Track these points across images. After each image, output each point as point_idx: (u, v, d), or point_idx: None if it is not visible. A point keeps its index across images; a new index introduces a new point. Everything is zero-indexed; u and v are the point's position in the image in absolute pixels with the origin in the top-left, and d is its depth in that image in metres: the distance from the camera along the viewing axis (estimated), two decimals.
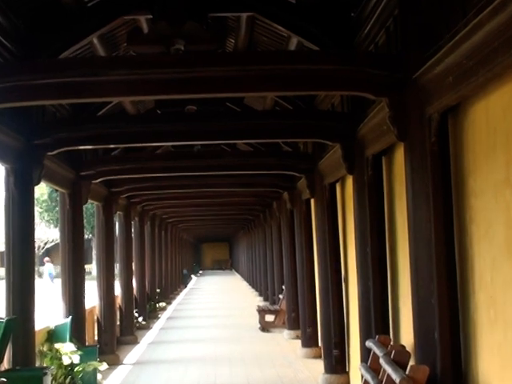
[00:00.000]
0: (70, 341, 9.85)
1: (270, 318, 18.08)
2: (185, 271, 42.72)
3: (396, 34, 6.26)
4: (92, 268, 45.10)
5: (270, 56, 7.32)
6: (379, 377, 6.18)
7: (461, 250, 5.21)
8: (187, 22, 6.84)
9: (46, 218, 57.21)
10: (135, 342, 16.28)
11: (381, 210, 7.63)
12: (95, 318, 13.79)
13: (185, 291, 36.87)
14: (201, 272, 64.35)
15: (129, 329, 16.58)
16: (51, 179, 10.03)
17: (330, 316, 10.36)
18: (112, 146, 11.34)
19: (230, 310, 24.40)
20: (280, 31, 8.85)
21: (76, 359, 9.57)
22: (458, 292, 5.22)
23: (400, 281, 7.11)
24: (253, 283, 34.55)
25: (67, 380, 9.62)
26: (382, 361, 5.96)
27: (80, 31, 8.11)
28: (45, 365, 9.25)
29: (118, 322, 16.20)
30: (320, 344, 12.61)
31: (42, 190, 51.98)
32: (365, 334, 7.73)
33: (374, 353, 6.59)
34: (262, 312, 18.10)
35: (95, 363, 10.13)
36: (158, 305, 23.46)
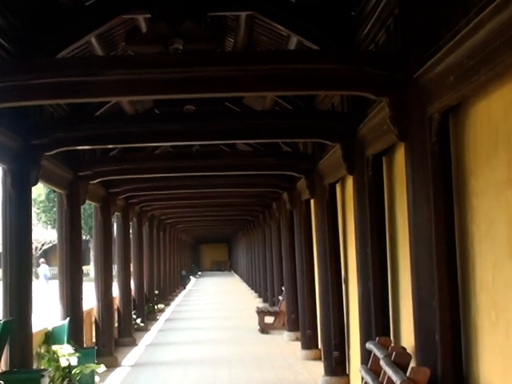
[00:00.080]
0: (68, 343, 9.84)
1: (269, 319, 18.07)
2: (183, 272, 42.71)
3: (396, 33, 6.26)
4: (90, 269, 45.17)
5: (270, 55, 7.33)
6: (379, 379, 6.18)
7: (462, 251, 5.21)
8: (186, 21, 6.85)
9: (43, 218, 57.22)
10: (133, 343, 16.27)
11: (381, 211, 7.63)
12: (93, 319, 13.78)
13: (183, 293, 36.85)
14: (199, 273, 64.34)
15: (127, 330, 16.57)
16: (49, 180, 10.03)
17: (330, 317, 10.36)
18: (110, 146, 11.34)
19: (229, 311, 24.39)
20: (279, 30, 8.85)
21: (74, 361, 9.56)
22: (459, 293, 5.22)
23: (400, 282, 7.11)
24: (252, 284, 34.55)
25: (65, 382, 9.62)
26: (382, 363, 5.96)
27: (78, 30, 8.11)
28: (42, 367, 9.24)
29: (116, 324, 16.19)
30: (320, 346, 12.61)
31: (39, 191, 51.98)
32: (365, 336, 7.73)
33: (375, 355, 6.59)
34: (261, 313, 18.10)
35: (93, 365, 10.13)
36: (156, 306, 23.45)
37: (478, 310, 4.95)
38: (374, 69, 6.12)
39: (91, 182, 11.82)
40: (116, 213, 16.27)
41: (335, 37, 7.78)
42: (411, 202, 5.82)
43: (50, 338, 9.91)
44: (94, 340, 13.66)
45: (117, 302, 16.53)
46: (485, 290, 4.83)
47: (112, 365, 12.86)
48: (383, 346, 6.51)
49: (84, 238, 44.61)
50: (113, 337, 14.32)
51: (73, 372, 9.67)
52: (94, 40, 8.87)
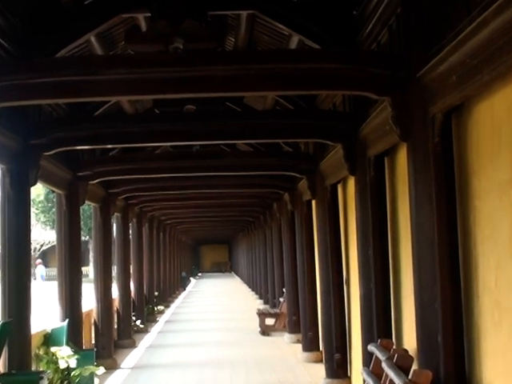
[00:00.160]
0: (67, 344, 9.84)
1: (270, 321, 18.07)
2: (183, 274, 42.71)
3: (399, 32, 6.26)
4: (89, 270, 45.17)
5: (271, 55, 7.33)
6: (381, 381, 6.18)
7: (464, 252, 5.21)
8: (186, 20, 6.86)
9: (42, 219, 57.26)
10: (133, 345, 16.27)
11: (383, 212, 7.63)
12: (92, 321, 13.78)
13: (183, 294, 36.86)
14: (200, 275, 64.34)
15: (126, 332, 16.57)
16: (48, 180, 10.04)
17: (332, 319, 10.37)
18: (109, 146, 11.35)
19: (229, 313, 24.39)
20: (281, 29, 8.85)
21: (73, 363, 9.56)
22: (462, 295, 5.22)
23: (403, 283, 7.11)
24: (253, 286, 34.55)
25: None
26: (384, 365, 5.95)
27: (77, 29, 8.11)
28: (41, 369, 9.24)
29: (116, 326, 16.20)
30: (321, 348, 12.61)
31: (38, 191, 52.01)
32: (367, 338, 7.73)
33: (377, 357, 6.59)
34: (262, 315, 18.09)
35: (92, 367, 10.13)
36: (156, 308, 23.45)
37: (481, 311, 4.95)
38: (376, 68, 6.13)
39: (90, 182, 11.83)
40: (115, 213, 16.27)
41: (337, 36, 7.78)
42: (413, 203, 5.82)
43: (49, 339, 9.91)
44: (93, 342, 13.66)
45: (116, 304, 16.53)
46: (487, 291, 4.83)
47: (111, 367, 12.86)
48: (385, 348, 6.50)
49: (83, 238, 44.57)
50: (112, 338, 14.32)
51: (72, 374, 9.67)
52: (93, 39, 8.87)
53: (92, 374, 10.20)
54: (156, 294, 24.53)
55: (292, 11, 7.98)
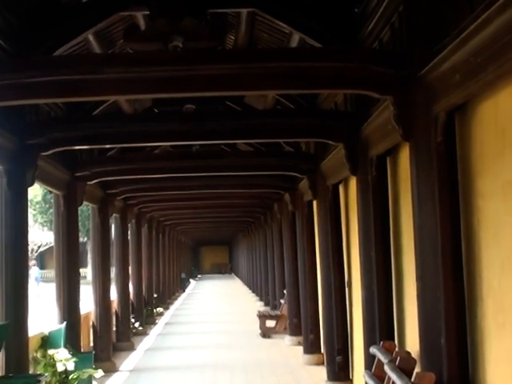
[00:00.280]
0: (65, 347, 9.84)
1: (270, 323, 18.07)
2: (183, 275, 42.72)
3: (401, 30, 6.26)
4: (87, 272, 45.10)
5: (272, 53, 7.31)
6: None
7: (468, 254, 5.20)
8: (185, 18, 6.85)
9: (39, 220, 57.25)
10: (132, 348, 16.27)
11: (385, 212, 7.62)
12: (90, 323, 13.77)
13: (183, 296, 36.87)
14: (199, 276, 64.36)
15: (125, 335, 16.57)
16: (45, 180, 10.03)
17: (333, 321, 10.36)
18: (108, 146, 11.35)
19: (229, 315, 24.39)
20: (281, 28, 8.85)
21: (70, 366, 9.56)
22: (465, 296, 5.22)
23: (405, 285, 7.11)
24: (253, 288, 34.55)
25: None
26: (386, 368, 5.95)
27: (75, 27, 8.10)
28: (38, 372, 9.24)
29: (114, 328, 16.19)
30: (323, 350, 12.60)
31: (35, 192, 51.99)
32: (369, 340, 7.72)
33: (379, 359, 6.59)
34: (262, 317, 18.09)
35: (90, 370, 10.12)
36: (155, 310, 23.45)
37: (485, 313, 4.94)
38: (378, 67, 6.12)
39: (89, 182, 11.82)
40: (114, 214, 16.26)
41: (338, 34, 7.78)
42: (416, 204, 5.81)
43: (47, 342, 9.90)
44: (91, 344, 13.66)
45: (115, 306, 16.53)
46: (491, 293, 4.82)
47: (110, 370, 12.85)
48: (387, 351, 6.50)
49: (81, 239, 44.61)
50: (111, 341, 14.32)
51: (70, 377, 9.67)
52: (91, 37, 8.88)
53: (90, 377, 10.19)
54: (155, 295, 24.53)
55: (293, 9, 7.97)
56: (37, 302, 26.62)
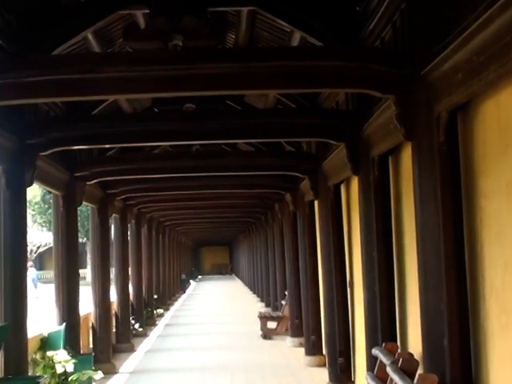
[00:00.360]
0: (64, 349, 9.85)
1: (272, 324, 18.07)
2: (183, 276, 42.74)
3: (403, 29, 6.26)
4: (86, 273, 45.14)
5: (272, 52, 7.31)
6: None
7: (471, 253, 5.21)
8: (185, 16, 6.86)
9: (38, 220, 57.26)
10: (132, 349, 16.28)
11: (387, 212, 7.63)
12: (90, 324, 13.79)
13: (183, 297, 36.88)
14: (200, 277, 64.37)
15: (125, 336, 16.58)
16: (44, 180, 10.04)
17: (335, 323, 10.36)
18: (107, 145, 11.35)
19: (230, 316, 24.40)
20: (282, 26, 8.86)
21: (70, 368, 9.57)
22: (468, 297, 5.22)
23: (407, 285, 7.11)
24: (254, 289, 34.55)
25: None
26: (388, 369, 5.95)
27: (74, 26, 8.11)
28: (38, 374, 9.25)
29: (114, 329, 16.20)
30: (324, 352, 12.60)
31: (34, 192, 52.02)
32: (371, 342, 7.73)
33: (381, 361, 6.59)
34: (263, 319, 18.10)
35: (90, 372, 10.13)
36: (155, 311, 23.46)
37: (488, 314, 4.94)
38: (379, 66, 6.13)
39: (88, 182, 11.83)
40: (114, 214, 16.27)
41: (339, 33, 7.78)
42: (418, 204, 5.81)
43: (46, 343, 9.92)
44: (91, 346, 13.67)
45: (114, 307, 16.54)
46: (494, 293, 4.83)
47: (109, 372, 12.87)
48: (390, 352, 6.50)
49: (80, 240, 44.63)
50: (110, 343, 14.33)
51: (69, 379, 9.68)
52: (90, 36, 8.88)
53: (90, 379, 10.21)
54: (155, 296, 24.55)
55: (293, 7, 7.98)
56: (36, 304, 26.62)
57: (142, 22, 8.62)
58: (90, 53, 9.19)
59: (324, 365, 12.22)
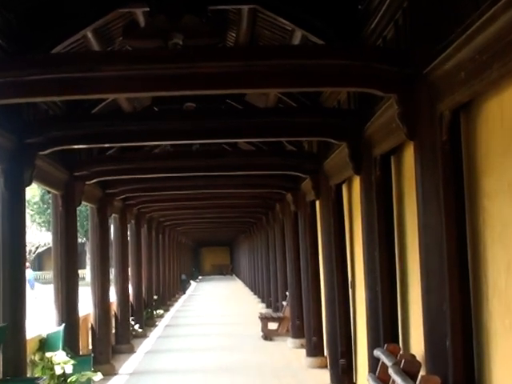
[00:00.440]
0: (63, 350, 9.86)
1: (273, 325, 18.07)
2: (183, 277, 42.75)
3: (405, 27, 6.26)
4: (86, 273, 45.14)
5: (273, 51, 7.32)
6: None
7: (474, 254, 5.21)
8: (186, 15, 6.86)
9: (37, 220, 57.29)
10: (131, 351, 16.28)
11: (389, 212, 7.63)
12: (89, 325, 13.80)
13: (183, 298, 36.89)
14: (200, 277, 64.37)
15: (125, 337, 16.59)
16: (43, 180, 10.05)
17: (337, 323, 10.36)
18: (107, 145, 11.35)
19: (230, 317, 24.40)
20: (283, 24, 8.85)
21: (69, 369, 9.57)
22: (471, 297, 5.22)
23: (410, 286, 7.11)
24: (255, 289, 34.56)
25: None
26: (390, 371, 5.95)
27: (73, 25, 8.12)
28: (36, 375, 9.26)
29: (114, 330, 16.21)
30: (326, 353, 12.61)
31: (33, 192, 52.04)
32: (373, 343, 7.73)
33: (383, 362, 6.59)
34: (264, 320, 18.10)
35: (89, 373, 10.14)
36: (155, 312, 23.47)
37: (491, 315, 4.94)
38: (382, 64, 6.13)
39: (87, 182, 11.83)
40: (113, 214, 16.27)
41: (341, 31, 7.78)
42: (421, 203, 5.82)
43: (45, 344, 9.93)
44: (90, 347, 13.67)
45: (114, 308, 16.54)
46: (497, 293, 4.83)
47: (109, 373, 12.87)
48: (392, 354, 6.50)
49: (80, 240, 44.65)
50: (110, 344, 14.34)
51: (68, 380, 9.68)
52: (90, 35, 8.88)
53: (89, 381, 10.21)
54: (155, 297, 24.55)
55: (295, 5, 7.98)
56: (34, 304, 26.62)
57: (141, 21, 8.61)
58: (90, 51, 9.19)
59: (325, 366, 12.22)
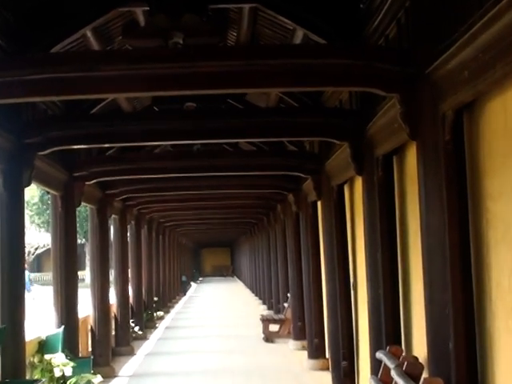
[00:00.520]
0: (62, 352, 9.86)
1: (274, 327, 18.07)
2: (184, 278, 42.76)
3: (407, 26, 6.26)
4: (85, 275, 45.17)
5: (274, 50, 7.31)
6: None
7: (477, 255, 5.20)
8: (186, 14, 6.86)
9: (36, 221, 57.30)
10: (131, 353, 16.28)
11: (392, 213, 7.62)
12: (89, 327, 13.79)
13: (184, 299, 36.88)
14: (201, 279, 64.38)
15: (124, 339, 16.58)
16: (42, 180, 10.05)
17: (338, 325, 10.36)
18: (107, 145, 11.36)
19: (231, 319, 24.40)
20: (285, 23, 8.85)
21: (68, 371, 9.57)
22: (474, 299, 5.22)
23: (412, 288, 7.11)
24: (256, 291, 34.55)
25: None
26: (393, 373, 5.95)
27: (73, 24, 8.12)
28: (35, 377, 9.26)
29: (113, 332, 16.20)
30: (328, 355, 12.60)
31: (32, 193, 52.07)
32: (375, 345, 7.73)
33: (385, 364, 6.59)
34: (265, 321, 18.09)
35: (89, 376, 10.14)
36: (155, 314, 23.46)
37: (494, 317, 4.94)
38: (384, 64, 6.13)
39: (87, 182, 11.83)
40: (113, 215, 16.27)
41: (343, 30, 7.78)
42: (423, 204, 5.81)
43: (44, 346, 9.93)
44: (89, 349, 13.67)
45: (114, 310, 16.54)
46: (501, 295, 4.82)
47: (109, 375, 12.87)
48: (394, 356, 6.50)
49: (79, 241, 44.66)
50: (110, 346, 14.33)
51: (68, 382, 9.69)
52: (89, 34, 8.89)
53: (89, 383, 10.21)
54: (155, 299, 24.54)
55: (296, 4, 7.98)
56: (32, 305, 26.63)
57: (141, 20, 8.62)
58: (89, 51, 9.20)
59: (327, 368, 12.22)
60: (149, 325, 21.40)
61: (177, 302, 33.55)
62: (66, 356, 9.81)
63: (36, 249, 59.04)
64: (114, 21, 9.26)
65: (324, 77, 6.38)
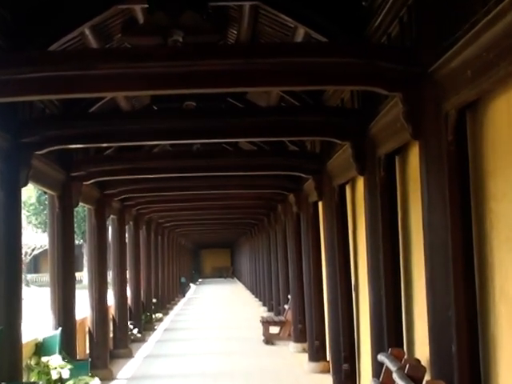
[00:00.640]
0: (60, 354, 9.86)
1: (274, 329, 18.08)
2: (183, 279, 42.76)
3: (410, 24, 6.26)
4: (83, 276, 45.19)
5: (275, 48, 7.33)
6: None
7: (480, 257, 5.21)
8: (186, 11, 6.86)
9: (33, 221, 57.30)
10: (129, 355, 16.29)
11: (394, 214, 7.63)
12: (87, 329, 13.79)
13: (183, 301, 36.89)
14: (200, 280, 64.38)
15: (123, 341, 16.59)
16: (39, 180, 10.05)
17: (340, 327, 10.36)
18: (105, 144, 11.36)
19: (231, 321, 24.40)
20: (286, 21, 8.86)
21: (65, 374, 9.58)
22: (477, 302, 5.22)
23: (414, 289, 7.11)
24: (256, 292, 34.57)
25: None
26: (395, 376, 5.95)
27: (71, 21, 8.12)
28: (32, 380, 9.26)
29: (111, 334, 16.21)
30: (328, 358, 12.60)
31: (29, 193, 52.07)
32: (377, 347, 7.73)
33: (387, 367, 6.59)
34: (266, 323, 18.10)
35: (86, 378, 10.14)
36: (154, 316, 23.47)
37: (498, 319, 4.94)
38: (386, 62, 6.13)
39: (85, 182, 11.84)
40: (111, 216, 16.29)
41: (345, 28, 7.78)
42: (426, 205, 5.82)
43: (41, 349, 9.93)
44: (87, 351, 13.67)
45: (112, 311, 16.54)
46: (504, 298, 4.83)
47: (107, 378, 12.88)
48: (396, 358, 6.50)
49: (77, 242, 44.67)
50: (108, 348, 14.33)
51: None
52: (88, 32, 8.89)
53: None
54: (154, 300, 24.55)
55: (297, 2, 7.98)
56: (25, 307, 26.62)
57: (140, 17, 8.63)
58: (88, 49, 9.19)
59: (328, 371, 12.21)
60: (147, 327, 21.41)
61: (176, 304, 33.56)
62: (64, 358, 9.81)
63: (33, 250, 59.06)
64: (113, 18, 9.27)
65: (325, 75, 6.39)
